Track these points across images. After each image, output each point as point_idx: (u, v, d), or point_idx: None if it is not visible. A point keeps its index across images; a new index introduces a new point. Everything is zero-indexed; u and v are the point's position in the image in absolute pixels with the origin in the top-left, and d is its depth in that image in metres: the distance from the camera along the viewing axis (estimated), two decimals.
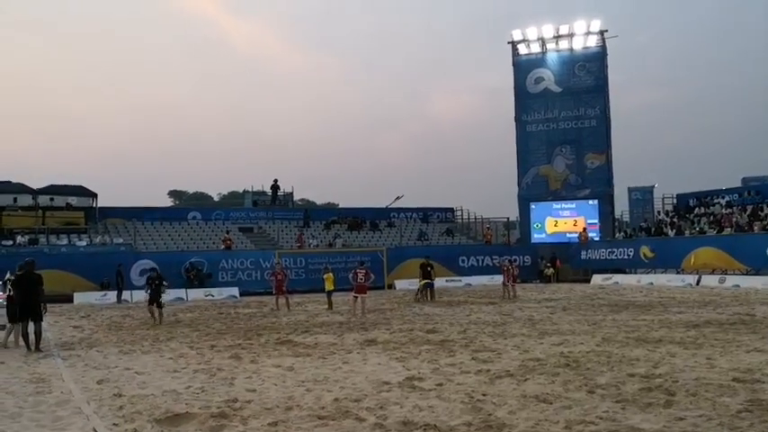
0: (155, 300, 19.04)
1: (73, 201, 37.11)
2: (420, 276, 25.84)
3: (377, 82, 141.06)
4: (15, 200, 35.64)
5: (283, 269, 25.30)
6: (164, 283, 19.80)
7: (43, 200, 35.93)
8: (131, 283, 30.36)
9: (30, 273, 13.80)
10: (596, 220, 41.01)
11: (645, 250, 34.02)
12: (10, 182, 36.30)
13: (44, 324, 14.38)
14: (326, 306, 22.62)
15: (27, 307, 13.47)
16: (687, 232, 34.36)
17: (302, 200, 64.33)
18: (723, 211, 35.01)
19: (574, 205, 41.72)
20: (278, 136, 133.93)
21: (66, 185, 37.03)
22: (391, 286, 33.58)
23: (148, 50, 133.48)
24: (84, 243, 33.53)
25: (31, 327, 13.52)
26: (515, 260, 28.20)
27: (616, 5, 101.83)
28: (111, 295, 29.09)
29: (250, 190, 46.33)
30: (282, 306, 22.90)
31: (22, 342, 13.60)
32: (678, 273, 32.40)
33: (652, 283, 31.43)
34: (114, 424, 7.14)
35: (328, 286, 23.05)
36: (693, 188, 40.35)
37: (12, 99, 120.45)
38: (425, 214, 45.56)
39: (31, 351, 13.13)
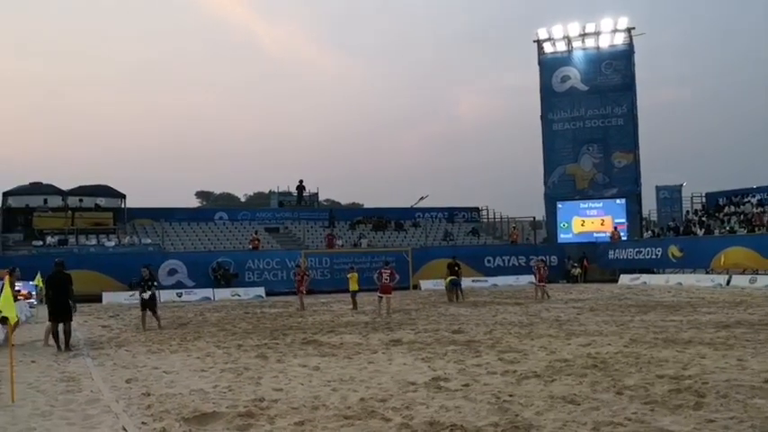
0: (148, 305, 17.75)
1: (101, 202, 37.58)
2: (446, 275, 25.85)
3: (401, 81, 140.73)
4: (45, 201, 36.19)
5: (304, 270, 25.34)
6: (155, 283, 18.68)
7: (72, 201, 36.42)
8: (159, 284, 30.64)
9: (59, 273, 14.00)
10: (624, 220, 40.61)
11: (673, 250, 33.60)
12: (41, 183, 36.86)
13: (73, 323, 14.57)
14: (351, 306, 22.64)
15: (57, 307, 13.67)
16: (717, 231, 33.90)
17: (327, 200, 64.44)
18: (754, 209, 34.47)
19: (601, 204, 41.35)
20: (303, 136, 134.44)
21: (95, 186, 37.50)
22: (416, 287, 33.55)
23: (176, 54, 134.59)
24: (112, 243, 33.95)
25: (61, 326, 13.71)
26: (542, 260, 27.98)
27: (640, 2, 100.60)
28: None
29: (276, 191, 46.60)
30: (307, 306, 23.03)
31: (52, 341, 13.80)
32: (707, 273, 31.96)
33: (681, 284, 31.04)
34: (143, 422, 7.21)
35: (352, 286, 23.06)
36: (723, 187, 39.82)
37: (42, 102, 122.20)
38: (451, 214, 45.46)
39: (61, 350, 13.32)
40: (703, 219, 36.66)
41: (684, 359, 10.34)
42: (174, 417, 7.42)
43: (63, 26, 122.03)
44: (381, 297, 20.57)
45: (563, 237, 41.60)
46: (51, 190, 36.28)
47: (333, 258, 34.50)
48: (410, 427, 6.81)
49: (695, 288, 28.54)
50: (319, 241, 38.18)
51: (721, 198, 38.49)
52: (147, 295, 17.78)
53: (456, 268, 25.91)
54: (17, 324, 10.15)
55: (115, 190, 37.49)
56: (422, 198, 47.84)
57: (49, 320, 13.91)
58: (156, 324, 17.74)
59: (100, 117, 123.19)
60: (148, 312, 17.79)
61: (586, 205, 41.65)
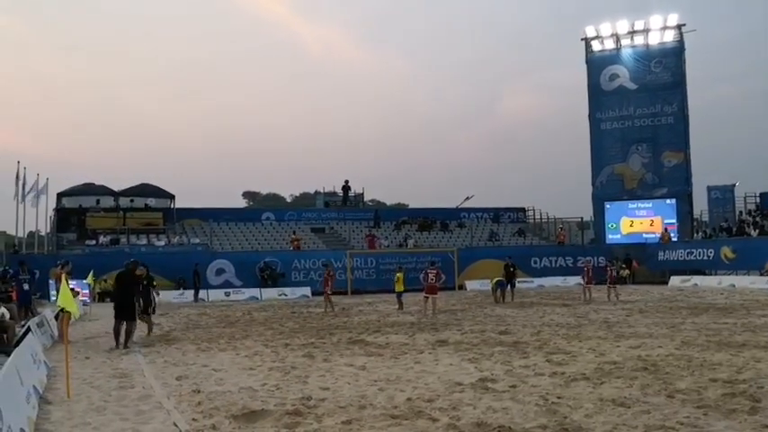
0: (147, 307, 15.66)
1: (152, 202, 38.34)
2: (502, 275, 25.66)
3: (446, 80, 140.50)
4: (98, 201, 37.09)
5: (329, 271, 24.67)
6: (153, 283, 16.80)
7: (124, 201, 37.24)
8: (207, 283, 31.16)
9: (127, 273, 14.34)
10: (674, 220, 39.84)
11: (726, 251, 32.82)
12: (93, 184, 37.77)
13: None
14: (397, 306, 22.61)
15: (120, 305, 13.97)
16: None
17: (372, 200, 64.56)
18: None
19: (650, 205, 40.64)
20: (348, 136, 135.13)
21: (145, 185, 38.25)
22: (462, 287, 33.41)
23: (222, 55, 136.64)
24: (162, 243, 34.59)
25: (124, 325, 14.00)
26: (590, 260, 27.53)
27: None
28: (189, 294, 29.91)
29: (321, 191, 46.97)
30: (352, 305, 22.96)
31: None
32: (762, 274, 31.09)
33: (734, 285, 30.26)
34: (193, 419, 7.33)
35: (398, 287, 23.04)
36: None
37: (93, 105, 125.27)
38: (496, 214, 45.13)
39: (118, 348, 13.57)
40: (757, 219, 35.72)
41: (739, 363, 10.08)
42: (223, 414, 7.52)
43: (111, 29, 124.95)
44: (427, 297, 20.54)
45: (611, 238, 40.99)
46: (103, 191, 37.17)
47: (378, 259, 34.58)
48: (457, 427, 6.79)
49: (749, 290, 27.79)
50: (365, 241, 38.29)
51: None
52: (155, 303, 16.43)
53: (511, 269, 25.86)
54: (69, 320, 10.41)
55: (165, 191, 38.19)
56: (467, 198, 47.74)
57: (114, 318, 14.22)
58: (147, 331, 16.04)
59: (149, 119, 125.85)
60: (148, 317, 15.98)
61: (635, 206, 40.99)
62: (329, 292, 23.35)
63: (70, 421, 7.40)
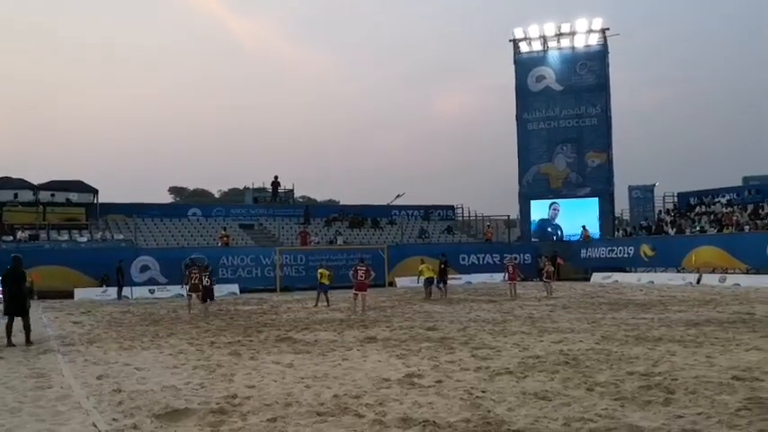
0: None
1: (74, 197, 37.15)
2: (433, 272, 25.90)
3: (379, 79, 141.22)
4: (16, 195, 35.69)
5: (199, 268, 22.39)
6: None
7: (44, 196, 35.99)
8: (132, 280, 30.40)
9: (15, 268, 13.87)
10: (597, 219, 41.04)
11: (645, 249, 34.00)
12: (10, 177, 36.34)
13: (44, 320, 14.34)
14: (325, 303, 22.49)
15: (13, 302, 13.61)
16: (688, 231, 34.35)
17: (303, 197, 64.19)
18: (724, 210, 35.00)
19: (574, 203, 41.77)
20: (279, 132, 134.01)
21: (67, 181, 37.04)
22: (392, 284, 33.57)
23: (150, 47, 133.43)
24: (84, 239, 33.58)
25: (19, 321, 13.58)
26: (515, 258, 28.07)
27: (622, 3, 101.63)
28: (112, 291, 29.12)
29: (251, 187, 46.38)
30: (281, 303, 22.66)
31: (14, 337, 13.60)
32: (678, 271, 32.37)
33: (652, 282, 31.40)
34: (114, 419, 7.14)
35: (323, 281, 22.90)
36: (694, 187, 40.41)
37: (11, 95, 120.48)
38: (426, 212, 45.54)
39: (12, 345, 13.15)
40: (675, 218, 37.12)
41: (655, 356, 10.46)
42: (145, 413, 7.35)
43: (36, 21, 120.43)
44: (356, 294, 20.53)
45: (536, 235, 41.97)
46: (22, 184, 35.81)
47: (308, 256, 34.37)
48: (383, 423, 6.82)
49: (666, 286, 28.89)
50: (294, 238, 38.04)
51: (692, 198, 39.01)
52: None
53: (441, 266, 26.12)
54: None
55: (87, 185, 37.08)
56: (398, 196, 47.98)
57: (5, 314, 13.77)
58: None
59: (71, 111, 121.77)
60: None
61: (560, 204, 42.03)
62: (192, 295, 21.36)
63: None
